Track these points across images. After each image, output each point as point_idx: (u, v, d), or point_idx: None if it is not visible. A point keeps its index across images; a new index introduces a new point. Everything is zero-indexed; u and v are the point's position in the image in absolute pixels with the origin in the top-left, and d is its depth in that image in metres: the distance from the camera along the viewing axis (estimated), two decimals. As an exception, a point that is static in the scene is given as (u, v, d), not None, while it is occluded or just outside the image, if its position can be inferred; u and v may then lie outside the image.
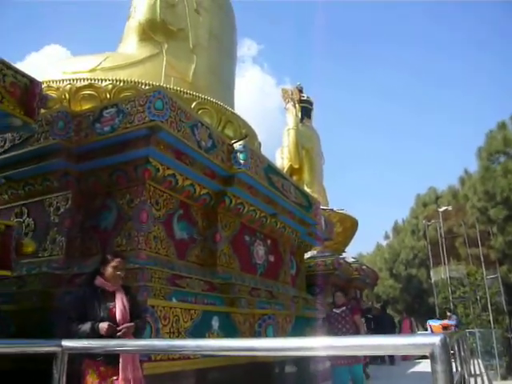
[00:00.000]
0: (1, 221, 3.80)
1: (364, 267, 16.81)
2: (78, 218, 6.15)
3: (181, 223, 6.35)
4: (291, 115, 16.89)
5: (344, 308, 6.16)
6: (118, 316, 3.38)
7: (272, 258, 8.61)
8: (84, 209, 6.19)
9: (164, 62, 9.16)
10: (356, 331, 5.99)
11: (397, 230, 37.35)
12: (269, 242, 8.58)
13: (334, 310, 6.22)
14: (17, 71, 4.04)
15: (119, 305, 3.42)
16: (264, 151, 9.74)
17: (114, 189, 5.98)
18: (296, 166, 16.76)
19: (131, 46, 9.71)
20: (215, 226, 6.88)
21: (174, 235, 6.19)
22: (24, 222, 6.51)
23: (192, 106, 7.74)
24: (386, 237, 39.40)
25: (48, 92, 6.77)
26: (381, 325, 12.73)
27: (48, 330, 3.88)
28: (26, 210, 6.56)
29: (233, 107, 10.35)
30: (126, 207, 5.83)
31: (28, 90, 4.07)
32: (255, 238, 8.09)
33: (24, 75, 4.09)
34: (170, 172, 5.91)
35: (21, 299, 5.44)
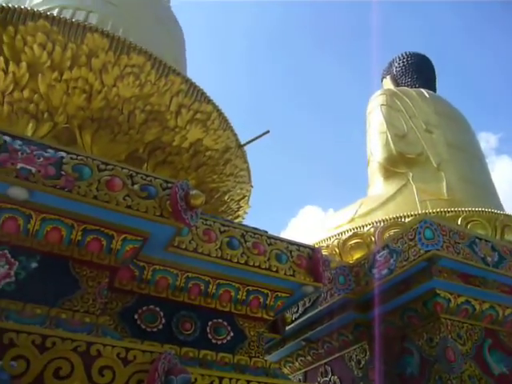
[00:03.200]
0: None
1: None
2: (381, 368, 5.98)
3: (494, 355, 5.55)
4: None
5: None
6: None
7: None
8: (384, 357, 6.03)
9: (414, 190, 9.18)
10: None
11: None
12: None
13: None
14: (299, 244, 4.56)
15: None
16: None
17: (408, 330, 5.75)
18: None
19: (378, 187, 10.14)
20: (539, 351, 5.78)
21: (490, 371, 5.40)
22: (330, 380, 6.65)
23: (459, 223, 7.30)
24: None
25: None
26: None
27: None
28: (329, 369, 6.74)
29: (502, 208, 9.41)
30: (426, 348, 5.46)
31: (312, 258, 4.49)
32: None
33: (305, 246, 4.59)
34: (462, 299, 5.43)
35: None
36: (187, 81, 5.40)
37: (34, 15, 4.89)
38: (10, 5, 5.19)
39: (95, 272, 3.63)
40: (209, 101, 5.53)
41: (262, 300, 4.50)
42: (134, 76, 5.04)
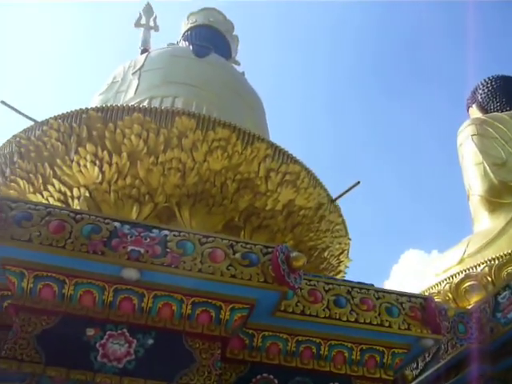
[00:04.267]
0: None
1: None
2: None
3: None
4: None
5: None
6: None
7: None
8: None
9: (526, 220, 8.43)
10: None
11: None
12: None
13: None
14: (409, 295, 4.32)
15: None
16: None
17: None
18: None
19: (484, 222, 9.44)
20: None
21: None
22: None
23: None
24: None
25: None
26: None
27: None
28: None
29: None
30: None
31: (426, 308, 4.21)
32: None
33: (416, 296, 4.34)
34: None
35: None
36: (272, 145, 5.57)
37: (129, 110, 5.41)
38: (108, 104, 5.81)
39: (207, 344, 3.69)
40: (295, 161, 5.63)
41: (378, 359, 4.25)
42: (221, 149, 5.30)
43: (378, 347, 4.24)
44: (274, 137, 6.38)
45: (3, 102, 6.05)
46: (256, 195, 5.47)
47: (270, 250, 3.72)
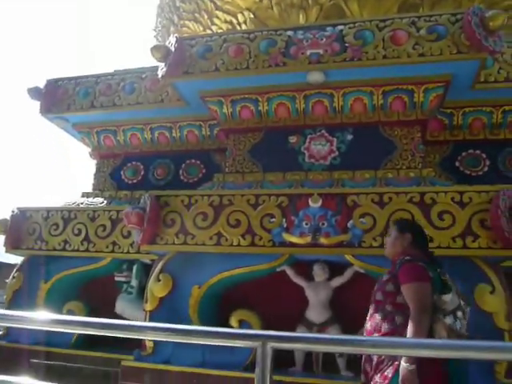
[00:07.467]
0: None
1: None
2: None
3: None
4: None
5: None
6: None
7: None
8: None
9: None
10: None
11: None
12: None
13: None
14: None
15: None
16: None
17: None
18: None
19: None
20: None
21: None
22: None
23: None
24: None
25: None
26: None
27: None
28: None
29: None
30: None
31: None
32: None
33: None
34: None
35: None
36: None
37: None
38: None
39: (405, 129, 3.68)
40: None
41: None
42: None
43: None
44: None
45: None
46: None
47: (459, 16, 3.31)
